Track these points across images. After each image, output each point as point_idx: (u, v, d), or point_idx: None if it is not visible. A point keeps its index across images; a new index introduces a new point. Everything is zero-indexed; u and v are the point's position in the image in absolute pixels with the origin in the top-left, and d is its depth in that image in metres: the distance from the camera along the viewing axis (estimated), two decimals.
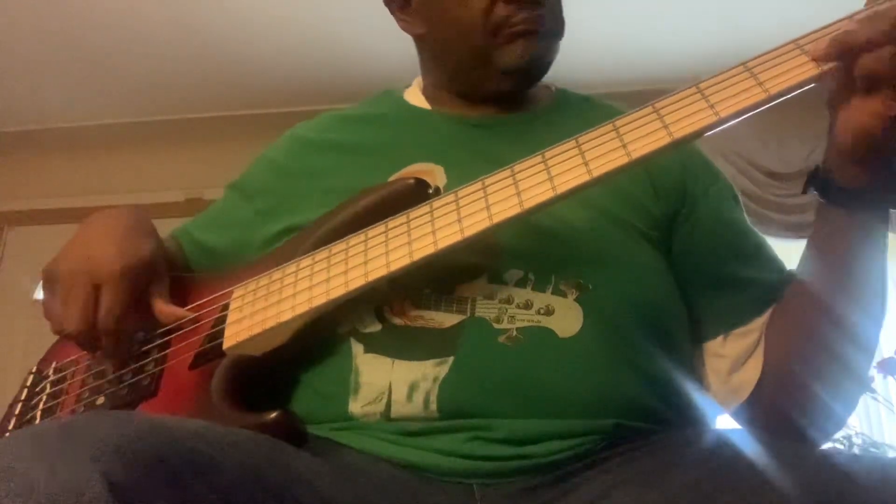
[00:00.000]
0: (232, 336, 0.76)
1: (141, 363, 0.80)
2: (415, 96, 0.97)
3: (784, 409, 0.77)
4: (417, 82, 0.99)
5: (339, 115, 0.98)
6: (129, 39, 2.89)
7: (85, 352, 0.81)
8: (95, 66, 3.04)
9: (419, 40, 0.95)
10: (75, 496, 0.43)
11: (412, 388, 0.69)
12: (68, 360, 0.86)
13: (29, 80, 3.11)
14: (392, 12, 0.95)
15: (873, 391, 2.28)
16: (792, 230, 3.07)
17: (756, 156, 3.16)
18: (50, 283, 0.80)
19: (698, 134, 0.63)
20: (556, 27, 0.88)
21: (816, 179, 0.70)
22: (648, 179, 0.83)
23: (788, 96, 0.61)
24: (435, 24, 0.90)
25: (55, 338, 0.88)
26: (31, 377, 0.89)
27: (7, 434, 0.82)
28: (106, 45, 2.92)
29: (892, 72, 0.58)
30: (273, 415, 0.69)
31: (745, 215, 0.89)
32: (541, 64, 0.88)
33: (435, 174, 0.82)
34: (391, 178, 0.82)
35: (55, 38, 2.87)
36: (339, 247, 0.76)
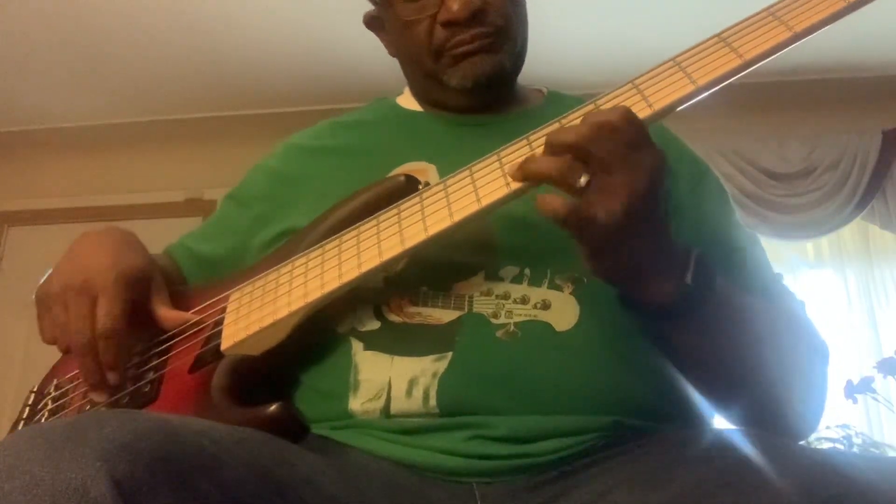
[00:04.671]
0: (229, 337, 0.76)
1: (141, 371, 0.80)
2: (407, 100, 0.99)
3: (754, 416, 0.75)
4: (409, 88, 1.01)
5: (333, 123, 1.00)
6: (129, 40, 2.89)
7: (83, 365, 0.79)
8: (95, 66, 3.04)
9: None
10: (80, 494, 0.44)
11: (411, 384, 0.69)
12: (69, 375, 0.86)
13: (29, 80, 3.11)
14: (375, 34, 1.00)
15: (873, 391, 2.28)
16: (792, 230, 3.08)
17: (756, 156, 3.17)
18: (44, 300, 0.79)
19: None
20: (501, 39, 0.87)
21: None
22: None
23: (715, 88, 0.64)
24: (398, 49, 0.95)
25: None
26: (33, 396, 0.89)
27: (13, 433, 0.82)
28: (106, 45, 2.92)
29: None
30: (272, 407, 0.69)
31: (734, 212, 0.89)
32: (493, 78, 0.88)
33: (428, 173, 0.83)
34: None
35: (55, 39, 2.87)
36: (332, 244, 0.76)
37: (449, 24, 0.85)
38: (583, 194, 0.60)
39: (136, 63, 3.03)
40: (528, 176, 0.64)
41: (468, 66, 0.86)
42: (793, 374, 0.75)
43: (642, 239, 0.63)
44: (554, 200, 0.62)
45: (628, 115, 0.61)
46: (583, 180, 0.60)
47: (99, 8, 2.73)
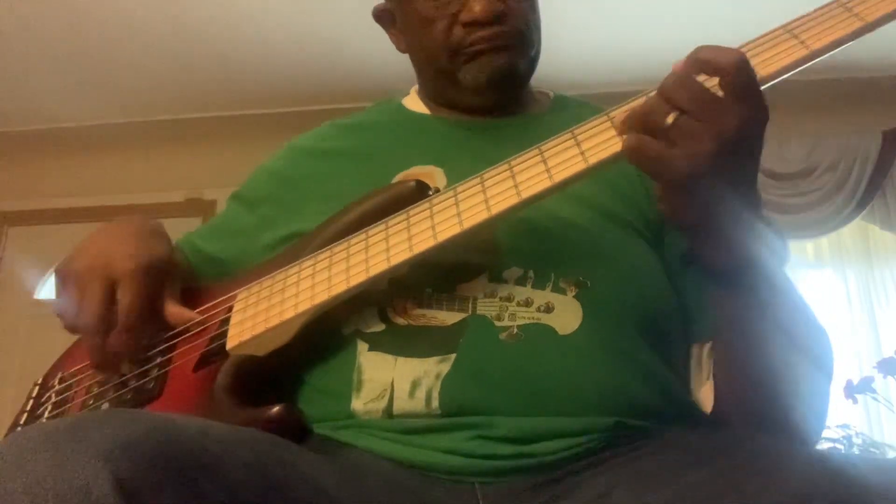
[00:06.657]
0: (235, 336, 0.76)
1: (145, 368, 0.80)
2: (413, 102, 0.99)
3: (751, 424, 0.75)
4: (415, 89, 1.01)
5: (338, 124, 0.99)
6: (128, 40, 2.89)
7: (91, 345, 0.80)
8: (95, 66, 3.04)
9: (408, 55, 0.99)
10: (83, 493, 0.44)
11: (414, 385, 0.70)
12: (73, 369, 0.86)
13: (29, 80, 3.11)
14: (384, 29, 0.99)
15: (873, 391, 2.28)
16: (792, 230, 3.08)
17: None
18: (64, 281, 0.80)
19: None
20: (518, 41, 0.88)
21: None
22: (641, 181, 0.83)
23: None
24: (410, 45, 0.95)
25: (55, 338, 0.88)
26: (36, 389, 0.89)
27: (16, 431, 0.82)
28: (105, 45, 2.92)
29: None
30: (275, 409, 0.69)
31: None
32: (507, 77, 0.88)
33: (435, 176, 0.83)
34: (392, 182, 0.83)
35: (55, 39, 2.87)
36: (340, 246, 0.77)
37: (470, 25, 0.86)
38: (667, 134, 0.60)
39: (135, 63, 3.03)
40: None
41: (484, 62, 0.87)
42: (813, 369, 0.75)
43: (723, 189, 0.63)
44: (632, 137, 0.62)
45: (738, 62, 0.60)
46: (669, 119, 0.60)
47: (99, 8, 2.73)
